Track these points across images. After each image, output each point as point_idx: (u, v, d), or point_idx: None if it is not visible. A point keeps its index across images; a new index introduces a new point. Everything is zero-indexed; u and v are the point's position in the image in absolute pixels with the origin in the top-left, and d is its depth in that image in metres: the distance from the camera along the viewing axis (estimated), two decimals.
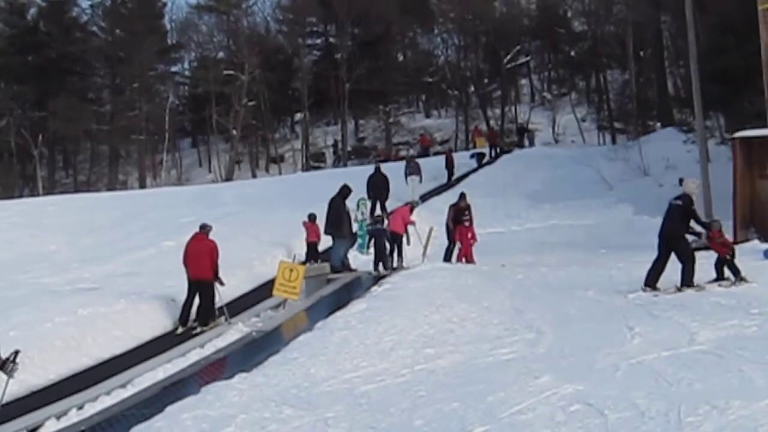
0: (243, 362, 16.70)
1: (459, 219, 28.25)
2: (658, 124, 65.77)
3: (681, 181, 42.42)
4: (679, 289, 18.64)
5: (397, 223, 28.53)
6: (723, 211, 27.78)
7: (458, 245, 28.23)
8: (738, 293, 16.92)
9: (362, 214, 32.23)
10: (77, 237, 34.13)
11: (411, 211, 30.06)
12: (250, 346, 19.12)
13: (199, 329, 21.47)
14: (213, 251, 22.25)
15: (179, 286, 22.46)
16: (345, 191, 28.12)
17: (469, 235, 28.16)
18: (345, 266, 27.03)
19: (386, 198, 37.54)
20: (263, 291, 24.62)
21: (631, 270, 22.72)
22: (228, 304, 22.82)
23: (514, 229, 35.72)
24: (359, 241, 31.42)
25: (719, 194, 32.27)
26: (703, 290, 18.54)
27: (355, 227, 30.76)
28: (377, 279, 24.61)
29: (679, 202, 19.43)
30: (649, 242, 21.96)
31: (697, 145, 40.00)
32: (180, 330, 21.48)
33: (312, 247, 28.46)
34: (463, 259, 27.73)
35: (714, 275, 19.58)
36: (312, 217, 28.56)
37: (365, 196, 34.15)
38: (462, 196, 29.13)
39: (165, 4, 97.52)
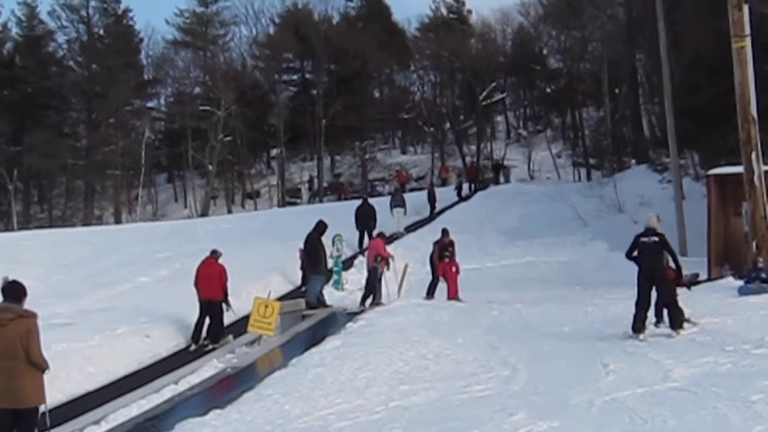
0: (217, 399, 16.63)
1: (442, 255, 28.29)
2: (633, 161, 66.05)
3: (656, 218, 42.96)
4: (673, 333, 17.83)
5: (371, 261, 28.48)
6: (697, 248, 27.91)
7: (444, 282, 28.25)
8: (713, 330, 16.94)
9: (338, 250, 32.23)
10: (52, 272, 33.98)
11: (383, 242, 29.92)
12: (224, 383, 19.04)
13: (210, 346, 23.04)
14: (222, 274, 23.86)
15: (154, 322, 22.44)
16: (321, 227, 28.11)
17: (453, 269, 28.17)
18: (320, 302, 26.97)
19: (374, 228, 37.82)
20: (238, 327, 24.53)
21: (607, 306, 22.81)
22: (204, 341, 22.93)
23: (489, 266, 35.75)
24: (335, 277, 31.43)
25: (694, 231, 32.46)
26: (698, 324, 18.20)
27: (330, 263, 30.74)
28: (353, 315, 24.56)
29: (656, 239, 18.62)
30: (624, 279, 22.04)
31: (671, 182, 40.28)
32: (193, 347, 23.06)
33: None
34: (452, 296, 27.70)
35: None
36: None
37: (340, 233, 34.09)
38: (444, 232, 29.10)
39: (141, 40, 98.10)
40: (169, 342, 22.59)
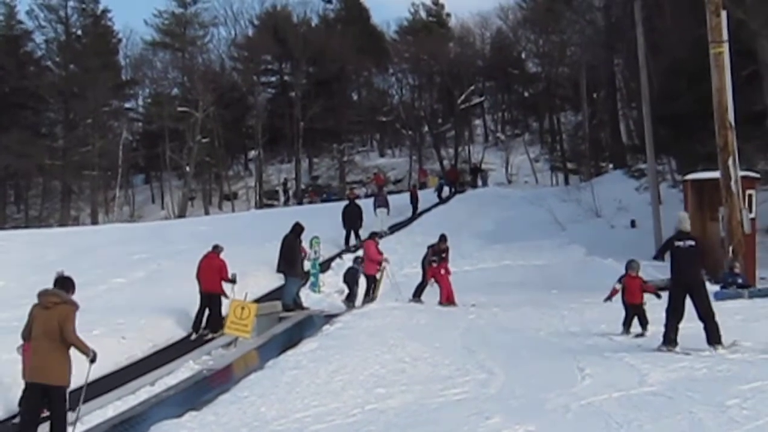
0: (193, 400, 16.56)
1: (434, 259, 28.26)
2: (611, 166, 66.29)
3: (633, 222, 43.11)
4: (711, 350, 16.20)
5: (370, 267, 28.81)
6: None
7: (434, 285, 28.26)
8: (689, 335, 16.96)
9: (315, 252, 32.20)
10: (27, 273, 33.70)
11: (377, 243, 29.99)
12: (200, 384, 18.98)
13: (210, 335, 24.11)
14: (222, 268, 24.92)
15: (130, 323, 22.37)
16: (298, 229, 28.14)
17: (443, 272, 28.19)
18: (297, 304, 27.00)
19: (360, 227, 39.92)
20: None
21: (583, 310, 22.87)
22: (179, 342, 22.84)
23: (466, 269, 35.70)
24: (312, 279, 31.40)
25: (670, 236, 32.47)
26: (737, 346, 16.39)
27: (307, 266, 30.73)
28: (329, 317, 24.52)
29: (692, 243, 16.98)
30: (601, 283, 22.07)
31: (648, 187, 40.42)
32: (194, 336, 24.11)
33: None
34: (445, 300, 27.70)
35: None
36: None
37: (317, 235, 34.01)
38: (442, 238, 29.01)
39: (120, 40, 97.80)
40: (145, 343, 22.47)
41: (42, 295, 13.66)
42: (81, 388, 14.53)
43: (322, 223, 37.33)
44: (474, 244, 41.40)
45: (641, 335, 18.60)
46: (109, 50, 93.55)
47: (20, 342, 14.80)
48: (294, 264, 27.42)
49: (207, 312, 24.61)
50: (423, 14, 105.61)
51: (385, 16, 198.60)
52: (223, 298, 24.75)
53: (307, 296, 29.18)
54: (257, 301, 26.37)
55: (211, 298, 24.66)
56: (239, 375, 18.54)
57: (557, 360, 16.26)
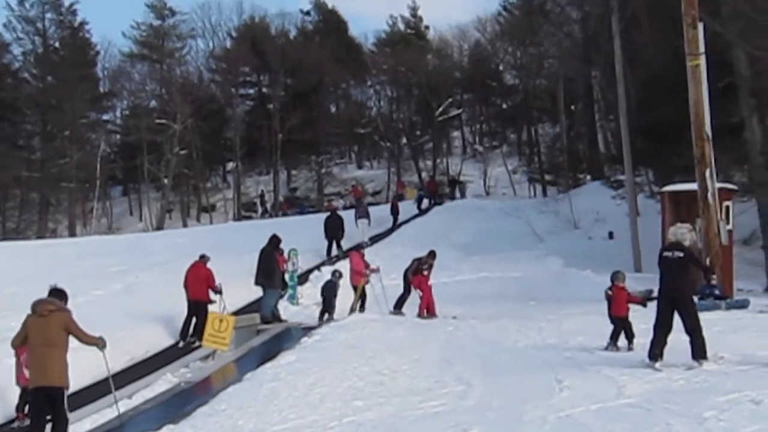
0: (171, 413, 16.52)
1: (419, 270, 28.25)
2: (588, 177, 66.44)
3: (611, 234, 43.23)
4: (697, 365, 15.62)
5: (356, 279, 28.94)
6: (652, 264, 27.94)
7: (418, 296, 28.25)
8: (666, 348, 17.00)
9: (293, 264, 32.19)
10: (4, 285, 33.55)
11: (362, 255, 30.06)
12: (178, 397, 18.93)
13: (197, 343, 24.33)
14: (209, 277, 25.54)
15: (108, 336, 22.25)
16: (275, 241, 28.18)
17: (430, 282, 28.23)
18: (275, 317, 26.97)
19: (341, 237, 40.78)
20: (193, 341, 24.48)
21: (561, 322, 22.87)
22: (157, 355, 22.78)
23: (444, 281, 35.65)
24: (290, 291, 31.38)
25: (648, 247, 32.66)
26: (724, 359, 16.04)
27: (286, 278, 30.75)
28: (308, 330, 24.50)
29: (680, 254, 16.35)
30: (578, 295, 22.12)
31: (626, 198, 40.55)
32: (181, 344, 24.68)
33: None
34: (425, 312, 27.71)
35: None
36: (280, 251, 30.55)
37: (294, 248, 33.97)
38: (432, 255, 29.02)
39: (98, 52, 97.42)
40: (123, 356, 22.40)
41: (37, 304, 14.33)
42: (106, 378, 16.61)
43: (300, 235, 37.37)
44: (452, 255, 41.40)
45: (629, 349, 18.15)
46: (86, 62, 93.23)
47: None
48: (272, 276, 27.43)
49: (194, 320, 24.98)
50: (401, 26, 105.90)
51: (364, 28, 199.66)
52: (210, 306, 25.13)
53: (285, 308, 29.13)
54: (235, 313, 26.38)
55: (198, 307, 25.06)
56: (217, 388, 18.49)
57: (535, 372, 16.26)
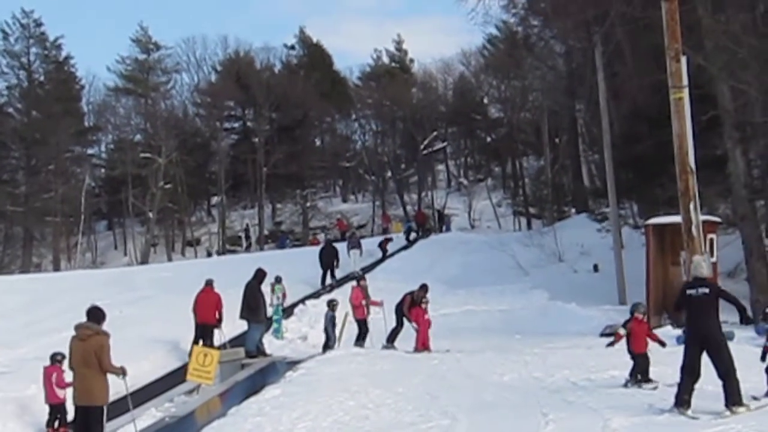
0: None
1: (417, 303, 28.16)
2: (573, 210, 66.52)
3: (596, 267, 43.24)
4: (726, 412, 14.17)
5: (357, 312, 29.06)
6: (636, 297, 28.05)
7: (413, 329, 28.12)
8: (651, 379, 16.97)
9: (278, 298, 32.14)
10: None
11: (361, 286, 29.95)
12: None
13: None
14: (218, 302, 27.43)
15: None
16: (260, 275, 28.17)
17: (426, 316, 28.12)
18: (260, 351, 26.94)
19: (336, 267, 43.01)
20: (177, 375, 24.38)
21: (546, 356, 22.85)
22: (141, 389, 22.66)
23: (429, 315, 35.73)
24: (274, 325, 31.32)
25: (633, 280, 32.74)
26: (758, 400, 15.05)
27: (270, 311, 30.65)
28: (292, 364, 24.43)
29: (706, 290, 14.88)
30: (563, 329, 22.09)
31: (611, 231, 40.63)
32: None
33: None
34: (422, 346, 27.60)
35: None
36: (278, 279, 33.04)
37: (279, 280, 33.90)
38: (424, 288, 28.90)
39: (82, 87, 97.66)
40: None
41: (78, 328, 15.75)
42: (125, 397, 17.33)
43: (289, 266, 37.41)
44: (437, 289, 41.19)
45: (654, 388, 16.91)
46: (71, 96, 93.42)
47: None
48: (257, 310, 27.41)
49: (201, 342, 25.99)
50: (386, 60, 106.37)
51: (348, 62, 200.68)
52: (215, 330, 27.03)
53: (270, 342, 29.08)
54: (220, 347, 26.30)
55: (205, 330, 26.87)
56: (202, 422, 18.44)
57: (520, 406, 16.23)
